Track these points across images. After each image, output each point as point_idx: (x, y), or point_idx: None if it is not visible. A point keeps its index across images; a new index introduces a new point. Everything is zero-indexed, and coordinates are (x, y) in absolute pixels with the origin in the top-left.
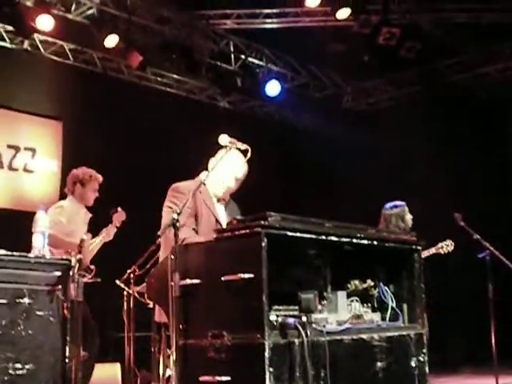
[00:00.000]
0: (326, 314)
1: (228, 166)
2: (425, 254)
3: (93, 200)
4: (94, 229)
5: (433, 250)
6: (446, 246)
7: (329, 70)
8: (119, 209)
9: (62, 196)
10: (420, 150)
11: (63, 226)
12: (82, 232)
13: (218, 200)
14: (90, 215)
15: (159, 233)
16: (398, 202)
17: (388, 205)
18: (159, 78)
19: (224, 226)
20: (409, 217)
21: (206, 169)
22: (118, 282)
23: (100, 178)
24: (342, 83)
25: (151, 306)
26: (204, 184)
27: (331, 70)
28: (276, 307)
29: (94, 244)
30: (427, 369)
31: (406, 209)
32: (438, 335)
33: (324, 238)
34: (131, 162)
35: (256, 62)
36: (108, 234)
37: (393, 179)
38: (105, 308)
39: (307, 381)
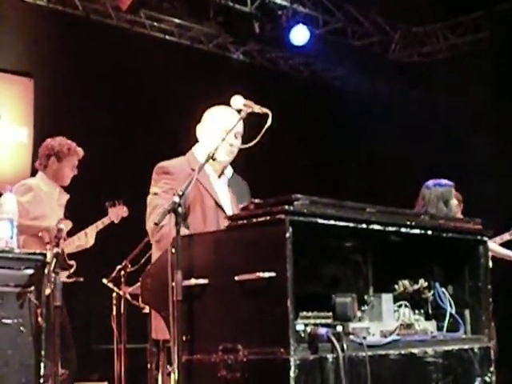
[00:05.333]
0: (366, 322)
1: (222, 123)
2: (497, 241)
3: (69, 179)
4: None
5: (506, 236)
6: None
7: (371, 12)
8: (119, 202)
9: (34, 172)
10: (488, 114)
11: (25, 210)
12: (57, 217)
13: (220, 174)
14: (68, 196)
15: (157, 220)
16: (443, 181)
17: (430, 182)
18: (156, 23)
19: (227, 211)
20: (454, 202)
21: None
22: (105, 281)
23: (81, 152)
24: (388, 28)
25: (147, 310)
26: (213, 158)
27: (374, 11)
28: (304, 314)
29: (72, 243)
30: None
31: (453, 191)
32: (508, 349)
33: (365, 226)
34: (120, 129)
35: (278, 1)
36: (87, 236)
37: (453, 151)
38: (88, 314)
39: None
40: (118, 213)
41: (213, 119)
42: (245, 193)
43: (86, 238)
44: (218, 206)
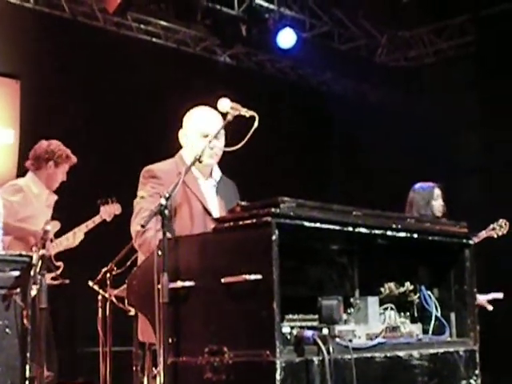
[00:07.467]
0: (352, 325)
1: (197, 127)
2: (475, 240)
3: (58, 184)
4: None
5: (483, 234)
6: (500, 228)
7: (358, 16)
8: (112, 199)
9: (21, 173)
10: (474, 118)
11: (14, 210)
12: (45, 218)
13: (208, 177)
14: (56, 197)
15: (143, 222)
16: (426, 184)
17: (416, 185)
18: (143, 26)
19: (214, 215)
20: (438, 203)
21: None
22: (90, 283)
23: (74, 158)
24: (374, 32)
25: (132, 313)
26: (199, 161)
27: (361, 15)
28: (290, 317)
29: (60, 244)
30: None
31: (436, 192)
32: (492, 352)
33: (351, 229)
34: (107, 131)
35: (265, 4)
36: (75, 236)
37: (439, 154)
38: (74, 316)
39: None
40: (110, 211)
41: (190, 123)
42: (233, 196)
43: (74, 238)
44: (206, 209)
